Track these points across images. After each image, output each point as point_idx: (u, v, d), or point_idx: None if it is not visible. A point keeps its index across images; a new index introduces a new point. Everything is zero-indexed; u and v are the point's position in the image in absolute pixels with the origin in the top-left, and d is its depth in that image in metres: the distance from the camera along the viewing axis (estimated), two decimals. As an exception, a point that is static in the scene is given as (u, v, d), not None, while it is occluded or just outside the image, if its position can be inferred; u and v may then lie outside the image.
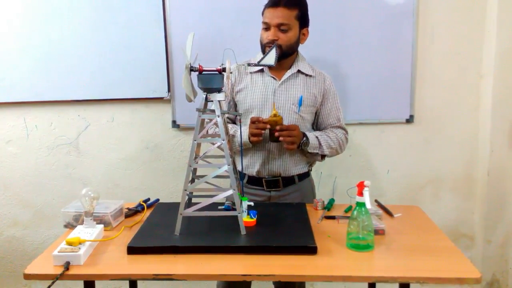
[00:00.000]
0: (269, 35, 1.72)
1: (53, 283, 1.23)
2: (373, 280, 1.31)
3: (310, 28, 1.82)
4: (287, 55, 1.78)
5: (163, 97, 2.35)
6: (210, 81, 1.41)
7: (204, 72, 1.41)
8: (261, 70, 1.82)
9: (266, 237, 1.41)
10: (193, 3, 2.26)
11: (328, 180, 2.44)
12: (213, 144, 1.49)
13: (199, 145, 1.51)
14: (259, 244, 1.36)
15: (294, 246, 1.35)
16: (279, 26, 1.72)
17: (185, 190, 1.41)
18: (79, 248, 1.30)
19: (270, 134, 1.70)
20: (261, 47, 1.79)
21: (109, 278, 1.28)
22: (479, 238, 2.46)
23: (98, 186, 2.44)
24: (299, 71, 1.82)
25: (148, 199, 1.81)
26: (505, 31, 2.22)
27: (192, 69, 1.40)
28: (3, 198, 2.51)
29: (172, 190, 2.47)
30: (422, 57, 2.31)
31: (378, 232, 1.47)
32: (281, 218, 1.58)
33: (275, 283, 2.00)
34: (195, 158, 1.48)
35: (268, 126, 1.68)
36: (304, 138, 1.76)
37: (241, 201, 1.47)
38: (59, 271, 1.24)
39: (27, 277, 1.27)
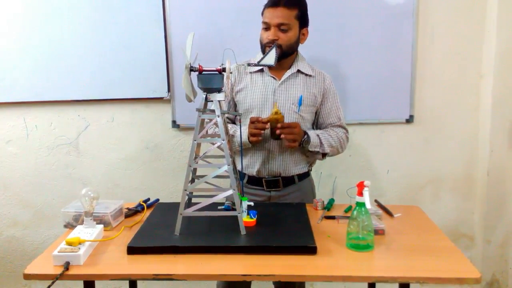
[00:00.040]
0: (269, 35, 1.72)
1: (53, 283, 1.23)
2: (373, 280, 1.31)
3: (310, 28, 1.82)
4: (287, 55, 1.78)
5: (163, 97, 2.35)
6: (210, 81, 1.41)
7: (204, 72, 1.41)
8: (261, 70, 1.82)
9: (266, 237, 1.41)
10: (193, 3, 2.26)
11: (328, 180, 2.44)
12: (213, 144, 1.49)
13: (199, 145, 1.50)
14: (259, 244, 1.36)
15: (294, 246, 1.35)
16: (279, 26, 1.72)
17: (185, 190, 1.41)
18: (79, 248, 1.30)
19: (272, 132, 1.70)
20: (261, 47, 1.79)
21: (109, 278, 1.28)
22: (479, 238, 2.46)
23: (98, 186, 2.44)
24: (299, 71, 1.82)
25: (148, 199, 1.81)
26: (505, 31, 2.22)
27: (192, 69, 1.40)
28: (3, 198, 2.51)
29: (172, 190, 2.47)
30: (422, 57, 2.31)
31: (378, 232, 1.47)
32: (281, 218, 1.58)
33: (275, 283, 2.00)
34: (195, 158, 1.48)
35: (267, 126, 1.68)
36: (305, 136, 1.76)
37: (241, 201, 1.47)
38: (59, 271, 1.24)
39: (27, 277, 1.27)
